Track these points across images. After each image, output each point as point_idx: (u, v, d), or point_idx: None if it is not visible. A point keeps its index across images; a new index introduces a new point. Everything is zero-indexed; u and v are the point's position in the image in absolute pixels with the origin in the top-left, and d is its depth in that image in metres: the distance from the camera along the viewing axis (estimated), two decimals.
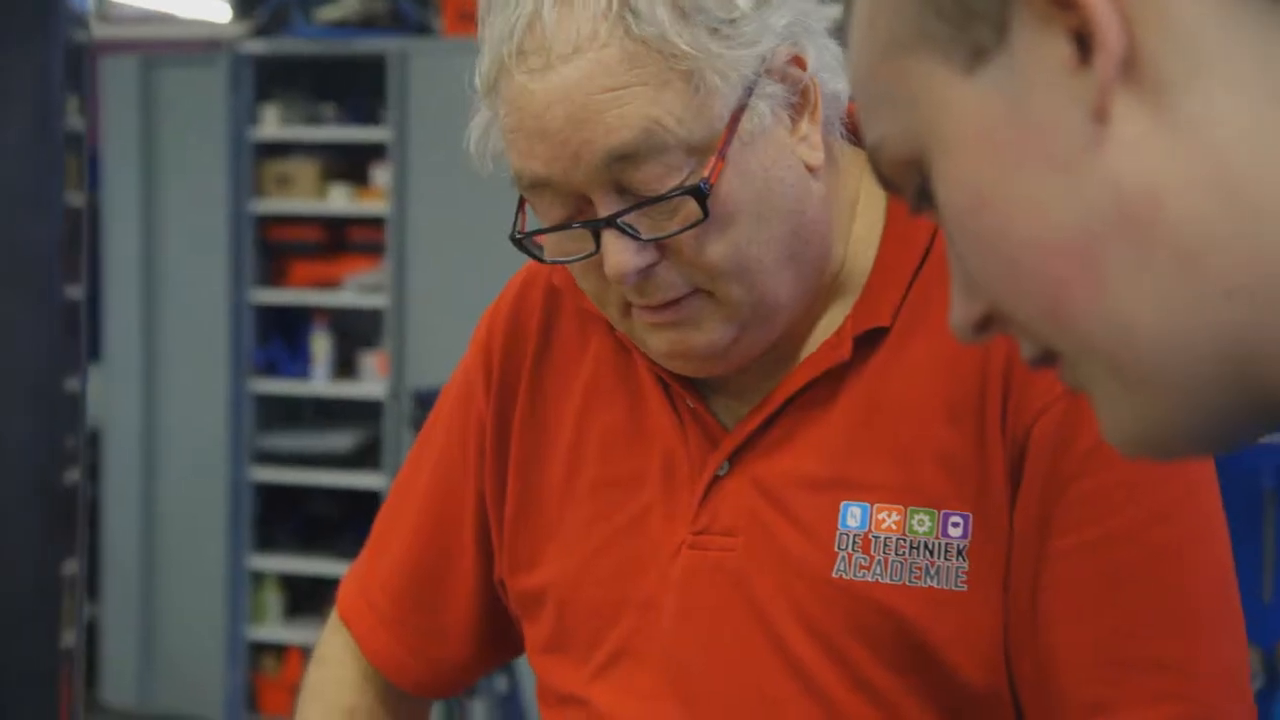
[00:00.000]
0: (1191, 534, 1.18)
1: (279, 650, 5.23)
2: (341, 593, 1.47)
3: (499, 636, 1.40)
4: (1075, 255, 0.65)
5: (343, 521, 5.22)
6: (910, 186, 0.71)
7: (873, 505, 1.19)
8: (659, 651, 1.25)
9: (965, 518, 1.18)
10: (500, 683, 3.39)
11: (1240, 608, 1.20)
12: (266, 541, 5.27)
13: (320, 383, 5.23)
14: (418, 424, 1.52)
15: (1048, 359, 0.69)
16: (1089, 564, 1.16)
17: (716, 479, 1.24)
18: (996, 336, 1.16)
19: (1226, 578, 1.19)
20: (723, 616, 1.23)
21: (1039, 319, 0.67)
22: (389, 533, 1.44)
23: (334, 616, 1.48)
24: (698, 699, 1.23)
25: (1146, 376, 0.66)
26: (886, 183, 0.72)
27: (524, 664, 1.37)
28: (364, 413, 5.20)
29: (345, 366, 5.25)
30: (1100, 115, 0.63)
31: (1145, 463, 1.16)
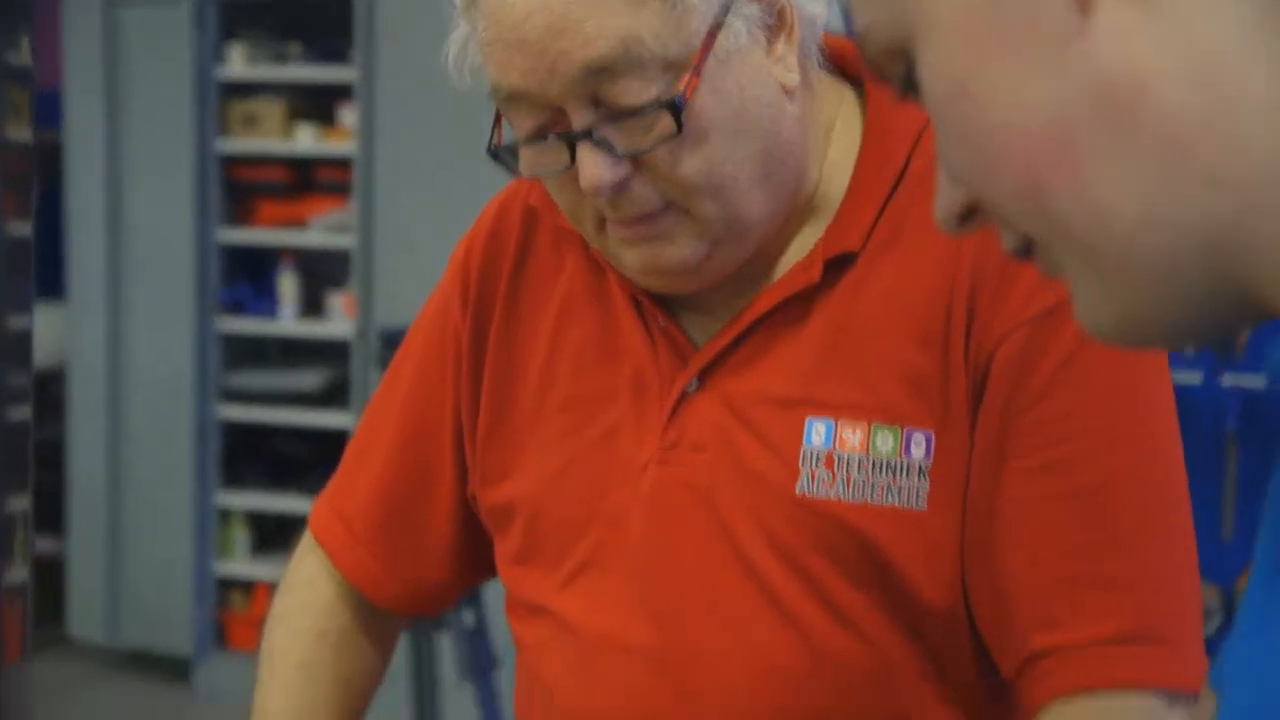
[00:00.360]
0: (1146, 459, 1.20)
1: (246, 586, 5.24)
2: (314, 515, 1.47)
3: (478, 554, 1.40)
4: (1054, 141, 0.64)
5: (310, 461, 5.22)
6: (896, 74, 0.71)
7: (837, 422, 1.21)
8: (626, 564, 1.26)
9: (928, 436, 1.19)
10: (467, 617, 3.39)
11: (1192, 533, 1.22)
12: (233, 479, 5.27)
13: (287, 322, 5.21)
14: (385, 364, 1.53)
15: (1028, 250, 0.69)
16: (1044, 485, 1.18)
17: (685, 395, 1.25)
18: (968, 253, 1.18)
19: (1178, 502, 1.21)
20: (689, 530, 1.24)
21: (1017, 206, 0.67)
22: (363, 455, 1.44)
23: (304, 540, 1.47)
24: (663, 611, 1.25)
25: (1125, 265, 0.66)
26: (874, 71, 0.72)
27: (492, 598, 1.37)
28: (331, 352, 5.20)
29: (312, 306, 5.24)
30: (1083, 4, 0.63)
31: (1103, 388, 1.18)
